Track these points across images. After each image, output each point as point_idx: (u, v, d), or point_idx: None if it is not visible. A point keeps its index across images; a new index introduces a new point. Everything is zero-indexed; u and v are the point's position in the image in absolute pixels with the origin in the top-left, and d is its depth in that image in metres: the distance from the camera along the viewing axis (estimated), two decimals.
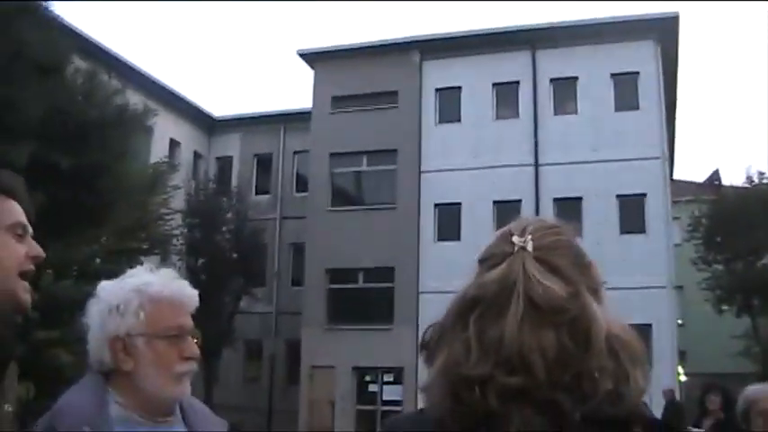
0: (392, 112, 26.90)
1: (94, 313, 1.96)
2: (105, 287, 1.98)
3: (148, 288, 1.95)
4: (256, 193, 30.45)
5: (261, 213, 28.33)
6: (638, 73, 24.90)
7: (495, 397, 1.21)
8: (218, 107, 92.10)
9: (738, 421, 4.37)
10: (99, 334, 1.93)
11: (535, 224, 1.39)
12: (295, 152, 30.39)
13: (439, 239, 25.60)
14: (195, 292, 2.02)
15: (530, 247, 1.32)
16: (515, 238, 1.33)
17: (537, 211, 23.21)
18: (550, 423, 1.20)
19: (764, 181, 29.74)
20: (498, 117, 26.19)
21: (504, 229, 1.40)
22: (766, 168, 31.62)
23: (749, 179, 30.01)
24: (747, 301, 28.49)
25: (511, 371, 1.21)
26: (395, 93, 26.87)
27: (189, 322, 2.01)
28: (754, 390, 4.32)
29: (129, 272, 2.03)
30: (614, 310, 1.31)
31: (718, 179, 33.04)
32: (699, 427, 7.15)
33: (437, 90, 26.75)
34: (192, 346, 1.98)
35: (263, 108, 50.39)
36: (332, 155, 27.33)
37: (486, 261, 1.36)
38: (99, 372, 1.95)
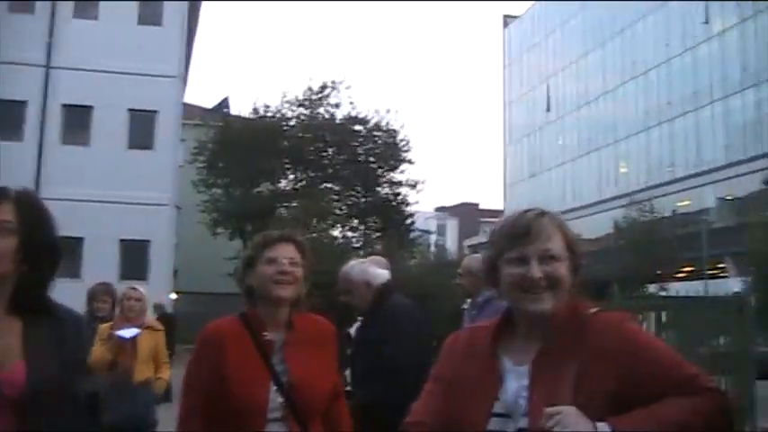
0: None
1: None
2: None
3: None
4: None
5: None
6: None
7: None
8: None
9: None
10: None
11: None
12: None
13: None
14: None
15: None
16: None
17: (43, 116, 21.93)
18: None
19: (269, 114, 31.71)
20: (12, 10, 23.90)
21: None
22: (272, 102, 33.61)
23: (255, 111, 31.76)
24: (241, 226, 30.33)
25: None
26: None
27: None
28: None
29: None
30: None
31: (227, 107, 34.36)
32: None
33: None
34: None
35: None
36: None
37: None
38: None
